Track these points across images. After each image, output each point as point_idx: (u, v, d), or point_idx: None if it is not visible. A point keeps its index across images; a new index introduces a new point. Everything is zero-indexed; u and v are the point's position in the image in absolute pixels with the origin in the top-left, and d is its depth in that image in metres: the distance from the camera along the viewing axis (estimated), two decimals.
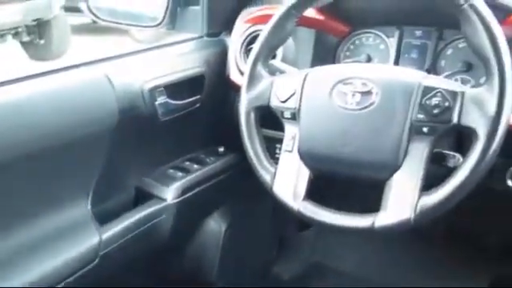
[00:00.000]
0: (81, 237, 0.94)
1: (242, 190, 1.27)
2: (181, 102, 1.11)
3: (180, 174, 1.14)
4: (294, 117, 0.88)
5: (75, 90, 0.92)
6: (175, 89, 1.09)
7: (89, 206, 0.97)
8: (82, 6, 1.23)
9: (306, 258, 1.63)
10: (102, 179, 0.99)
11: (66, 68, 0.95)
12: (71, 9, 4.16)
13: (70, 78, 0.94)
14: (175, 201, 1.10)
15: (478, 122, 0.75)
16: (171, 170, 1.16)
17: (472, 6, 0.75)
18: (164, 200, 1.09)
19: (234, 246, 1.32)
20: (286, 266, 1.57)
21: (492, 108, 0.73)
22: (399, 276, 1.48)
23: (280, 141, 0.91)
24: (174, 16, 1.24)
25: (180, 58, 1.16)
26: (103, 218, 0.99)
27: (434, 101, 0.77)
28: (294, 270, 1.57)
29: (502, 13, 0.89)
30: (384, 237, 1.05)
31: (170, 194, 1.10)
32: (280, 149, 0.90)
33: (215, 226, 1.29)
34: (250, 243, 1.43)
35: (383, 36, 1.12)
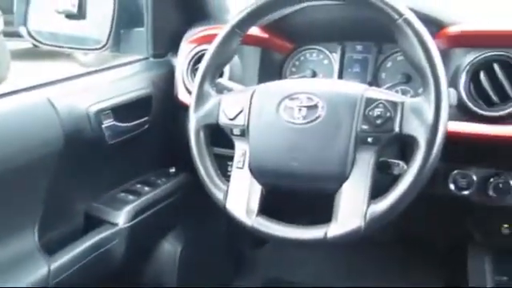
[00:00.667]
0: (29, 269, 0.90)
1: (196, 209, 1.27)
2: (129, 124, 1.09)
3: (131, 197, 1.13)
4: (243, 133, 0.88)
5: (16, 116, 0.89)
6: (122, 111, 1.08)
7: (36, 236, 0.93)
8: (22, 30, 1.20)
9: (264, 273, 1.63)
10: (49, 206, 0.95)
11: (5, 94, 0.92)
12: (11, 34, 4.02)
13: (11, 104, 0.91)
14: (127, 225, 1.08)
15: (418, 131, 0.78)
16: (122, 194, 1.14)
17: (406, 21, 0.79)
18: (115, 225, 1.06)
19: (190, 267, 1.30)
20: (244, 283, 1.56)
21: (430, 117, 0.77)
22: (355, 284, 1.51)
23: (231, 158, 0.91)
24: (118, 38, 1.23)
25: (126, 79, 1.15)
26: (52, 247, 0.96)
27: (377, 111, 0.80)
28: (252, 286, 1.56)
29: (434, 27, 0.94)
30: (337, 247, 1.07)
31: (121, 218, 1.07)
32: (232, 166, 0.91)
33: (170, 247, 1.27)
34: (207, 262, 1.42)
35: (326, 52, 1.16)
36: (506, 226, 1.02)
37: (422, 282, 1.41)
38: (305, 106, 0.84)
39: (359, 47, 1.13)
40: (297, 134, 0.84)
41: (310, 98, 0.84)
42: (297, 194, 0.93)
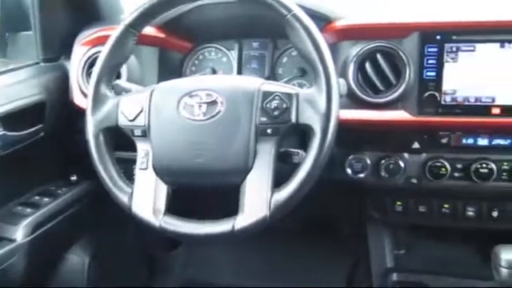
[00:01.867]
0: None
1: (103, 217, 1.22)
2: (21, 133, 1.03)
3: (29, 210, 1.06)
4: (145, 134, 0.87)
5: None
6: (13, 119, 1.01)
7: None
8: None
9: (179, 275, 1.62)
10: None
11: None
12: None
13: None
14: (26, 239, 1.01)
15: (313, 119, 0.82)
16: (19, 207, 1.07)
17: (295, 16, 0.83)
18: (13, 240, 1.00)
19: (101, 278, 1.26)
20: (159, 286, 1.54)
21: (323, 106, 0.81)
22: (270, 276, 1.55)
23: (136, 161, 0.90)
24: (4, 43, 1.15)
25: (15, 86, 1.08)
26: None
27: (274, 104, 0.83)
28: None
29: (322, 21, 0.99)
30: (252, 242, 1.09)
31: (19, 233, 1.01)
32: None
33: (77, 259, 1.22)
34: (119, 270, 1.38)
35: (224, 49, 1.18)
36: (399, 203, 1.11)
37: (330, 263, 1.49)
38: (204, 103, 0.85)
39: (256, 44, 1.17)
40: (198, 130, 0.84)
41: (209, 95, 0.85)
42: (204, 191, 0.94)
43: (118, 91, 0.95)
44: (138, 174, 0.88)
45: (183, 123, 0.85)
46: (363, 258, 1.28)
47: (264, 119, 0.83)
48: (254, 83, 0.86)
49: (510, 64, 0.91)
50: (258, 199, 0.82)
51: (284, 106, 0.83)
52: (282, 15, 0.84)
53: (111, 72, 0.92)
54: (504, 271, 0.83)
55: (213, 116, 0.84)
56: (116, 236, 1.36)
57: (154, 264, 1.59)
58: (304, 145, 0.92)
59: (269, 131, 0.83)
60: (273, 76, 1.14)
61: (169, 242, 1.60)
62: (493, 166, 0.97)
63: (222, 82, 0.88)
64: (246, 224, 0.82)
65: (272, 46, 1.15)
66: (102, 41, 1.03)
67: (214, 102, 0.85)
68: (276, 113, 0.83)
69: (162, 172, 0.87)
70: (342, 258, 1.53)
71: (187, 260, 1.66)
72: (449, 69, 0.93)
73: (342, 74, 0.97)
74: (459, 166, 0.99)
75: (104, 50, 0.91)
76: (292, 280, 1.48)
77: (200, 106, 0.85)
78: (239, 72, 1.17)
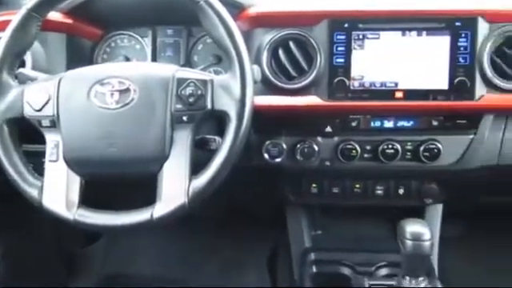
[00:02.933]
0: None
1: (11, 214, 1.15)
2: None
3: None
4: (54, 124, 0.84)
5: None
6: None
7: None
8: None
9: (100, 270, 1.57)
10: None
11: None
12: None
13: None
14: None
15: (228, 106, 0.83)
16: None
17: (207, 3, 0.83)
18: None
19: (13, 276, 1.19)
20: (78, 283, 1.49)
21: (237, 92, 0.83)
22: (192, 265, 1.55)
23: (45, 154, 0.86)
24: None
25: None
26: None
27: (189, 90, 0.82)
28: (87, 285, 1.50)
29: (235, 9, 1.00)
30: (168, 229, 1.08)
31: None
32: None
33: None
34: (34, 270, 1.31)
35: (137, 36, 1.15)
36: (314, 185, 1.15)
37: (252, 247, 1.52)
38: (117, 91, 0.83)
39: (170, 31, 1.15)
40: (111, 119, 0.82)
41: (121, 82, 0.83)
42: (120, 180, 0.92)
43: (22, 80, 0.90)
44: (48, 166, 0.84)
45: (95, 112, 0.82)
46: (283, 240, 1.32)
47: (179, 106, 0.83)
48: (168, 70, 0.85)
49: (410, 51, 0.98)
50: (175, 187, 0.82)
51: (199, 92, 0.83)
52: (194, 2, 0.83)
53: (13, 59, 0.87)
54: (409, 243, 0.90)
55: (126, 104, 0.82)
56: (28, 234, 1.29)
57: (72, 261, 1.53)
58: (221, 131, 0.93)
59: (185, 118, 0.83)
60: (188, 63, 1.13)
61: (86, 236, 1.54)
62: (398, 146, 1.04)
63: (134, 70, 0.86)
64: (164, 212, 0.81)
65: (186, 33, 1.14)
66: (2, 26, 0.96)
67: (126, 90, 0.83)
68: (191, 100, 0.83)
69: (73, 163, 0.83)
70: (263, 242, 1.56)
71: (107, 254, 1.62)
72: (356, 55, 0.98)
73: (256, 60, 0.98)
74: (368, 147, 1.05)
75: (4, 36, 0.85)
76: (213, 267, 1.50)
77: (112, 94, 0.83)
78: (154, 60, 1.14)
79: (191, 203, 0.82)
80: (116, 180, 0.90)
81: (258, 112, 0.90)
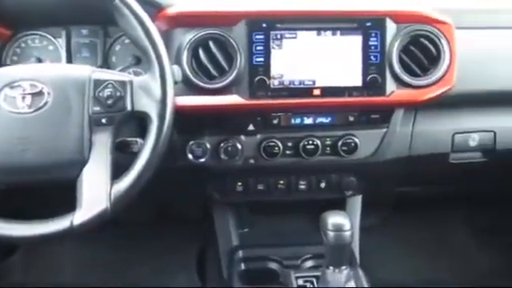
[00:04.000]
0: None
1: None
2: None
3: None
4: None
5: None
6: None
7: None
8: None
9: (20, 282, 1.49)
10: None
11: None
12: None
13: None
14: None
15: (149, 107, 0.82)
16: None
17: (123, 2, 0.81)
18: None
19: None
20: None
21: (158, 93, 0.82)
22: (118, 271, 1.51)
23: None
24: None
25: None
26: None
27: (107, 92, 0.80)
28: None
29: (153, 8, 0.99)
30: (93, 236, 1.05)
31: None
32: None
33: None
34: None
35: (50, 37, 1.10)
36: (239, 183, 1.17)
37: (180, 249, 1.51)
38: (29, 94, 0.79)
39: (85, 31, 1.11)
40: (24, 124, 0.78)
41: (33, 85, 0.79)
42: (37, 188, 0.87)
43: None
44: None
45: (5, 117, 0.78)
46: (211, 240, 1.32)
47: (97, 109, 0.80)
48: (83, 71, 0.82)
49: (326, 50, 1.01)
50: (96, 192, 0.79)
51: (118, 94, 0.81)
52: (109, 1, 0.81)
53: None
54: (331, 234, 0.94)
55: (39, 108, 0.79)
56: None
57: None
58: (143, 133, 0.91)
59: (103, 121, 0.81)
60: (106, 65, 1.10)
61: (2, 249, 1.45)
62: (318, 142, 1.08)
63: (47, 71, 0.83)
64: (85, 219, 0.79)
65: (103, 33, 1.10)
66: None
67: (39, 93, 0.79)
68: (110, 101, 0.81)
69: None
70: (192, 243, 1.56)
71: (28, 265, 1.53)
72: (275, 55, 1.00)
73: (177, 60, 0.98)
74: (290, 144, 1.08)
75: None
76: (141, 271, 1.47)
77: (24, 98, 0.79)
78: (69, 61, 1.10)
79: (113, 208, 0.80)
80: (33, 187, 0.85)
81: (179, 112, 0.89)
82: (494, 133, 1.18)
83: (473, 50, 1.14)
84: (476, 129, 1.18)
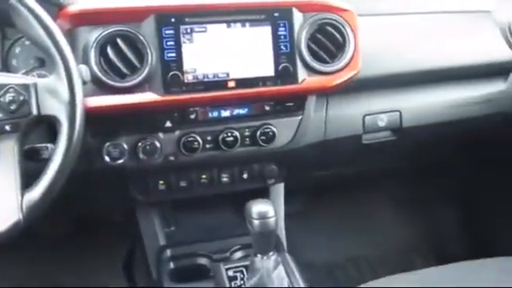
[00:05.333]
0: None
1: None
2: None
3: None
4: None
5: None
6: None
7: None
8: None
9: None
10: None
11: None
12: None
13: None
14: None
15: (57, 110, 0.78)
16: None
17: (20, 1, 0.77)
18: None
19: None
20: None
21: (65, 95, 0.78)
22: (43, 283, 1.44)
23: None
24: None
25: None
26: None
27: (8, 97, 0.76)
28: None
29: (54, 7, 0.94)
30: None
31: None
32: None
33: None
34: None
35: None
36: (161, 182, 1.15)
37: (107, 254, 1.46)
38: None
39: None
40: None
41: None
42: None
43: None
44: None
45: None
46: (138, 241, 1.29)
47: (0, 115, 0.75)
48: None
49: (237, 42, 1.02)
50: (6, 203, 0.75)
51: (21, 98, 0.76)
52: (5, 1, 0.76)
53: None
54: (256, 222, 0.95)
55: None
56: None
57: None
58: (54, 138, 0.87)
59: (7, 128, 0.76)
60: (6, 69, 1.03)
61: None
62: (237, 133, 1.09)
63: None
64: None
65: (0, 35, 1.03)
66: None
67: None
68: (13, 107, 0.76)
69: None
70: (118, 246, 1.51)
71: None
72: (187, 49, 1.00)
73: (84, 60, 0.94)
74: (209, 138, 1.09)
75: None
76: (68, 280, 1.40)
77: None
78: None
79: (27, 219, 0.75)
80: None
81: (91, 113, 0.86)
82: (400, 112, 1.26)
83: (376, 35, 1.21)
84: (384, 110, 1.25)
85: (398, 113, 1.26)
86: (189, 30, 0.99)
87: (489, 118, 1.34)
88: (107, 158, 1.02)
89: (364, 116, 1.23)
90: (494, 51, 1.29)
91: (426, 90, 1.30)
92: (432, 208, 1.84)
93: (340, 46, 1.09)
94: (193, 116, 1.06)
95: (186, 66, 1.00)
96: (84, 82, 0.84)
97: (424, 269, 0.96)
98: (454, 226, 1.81)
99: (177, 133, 1.07)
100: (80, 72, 0.82)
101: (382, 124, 1.25)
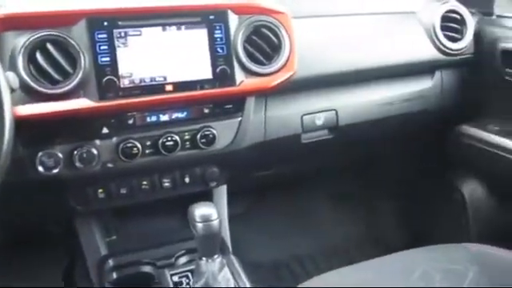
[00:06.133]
0: None
1: None
2: None
3: None
4: None
5: None
6: None
7: None
8: None
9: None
10: None
11: None
12: None
13: None
14: None
15: None
16: None
17: None
18: None
19: None
20: None
21: None
22: None
23: None
24: None
25: None
26: None
27: None
28: None
29: None
30: None
31: None
32: None
33: None
34: None
35: None
36: (101, 190, 1.12)
37: (46, 269, 1.40)
38: None
39: None
40: None
41: None
42: None
43: None
44: None
45: None
46: (78, 252, 1.25)
47: None
48: None
49: (173, 45, 1.02)
50: None
51: None
52: None
53: None
54: (199, 225, 0.95)
55: None
56: None
57: None
58: None
59: None
60: None
61: None
62: (177, 137, 1.08)
63: None
64: None
65: None
66: None
67: None
68: None
69: None
70: (58, 259, 1.45)
71: None
72: (121, 53, 0.98)
73: (12, 66, 0.90)
74: (148, 143, 1.07)
75: None
76: None
77: None
78: None
79: None
80: None
81: (22, 123, 0.82)
82: (336, 111, 1.30)
83: (311, 37, 1.24)
84: (321, 109, 1.29)
85: (334, 112, 1.30)
86: (123, 34, 0.98)
87: (418, 114, 1.41)
88: (41, 168, 0.98)
89: (302, 116, 1.26)
90: (421, 50, 1.36)
91: (361, 88, 1.35)
92: (370, 203, 1.90)
93: (276, 48, 1.11)
94: (131, 121, 1.04)
95: (122, 71, 0.98)
96: (12, 90, 0.80)
97: (363, 262, 1.00)
98: (392, 218, 1.89)
99: (114, 139, 1.04)
100: (7, 79, 0.78)
101: (319, 123, 1.28)
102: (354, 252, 1.76)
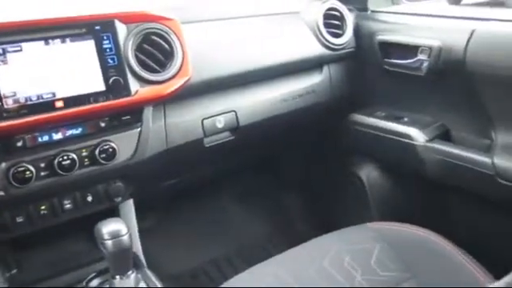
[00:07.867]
0: None
1: None
2: None
3: None
4: None
5: None
6: None
7: None
8: None
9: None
10: None
11: None
12: None
13: None
14: None
15: None
16: None
17: None
18: None
19: None
20: None
21: None
22: None
23: None
24: None
25: None
26: None
27: None
28: None
29: None
30: None
31: None
32: None
33: None
34: None
35: None
36: (43, 207, 1.06)
37: None
38: None
39: None
40: None
41: None
42: None
43: None
44: None
45: None
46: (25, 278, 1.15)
47: None
48: None
49: (59, 59, 0.97)
50: None
51: None
52: None
53: None
54: (108, 243, 0.91)
55: None
56: None
57: None
58: None
59: None
60: None
61: None
62: (73, 155, 1.03)
63: None
64: None
65: None
66: None
67: None
68: None
69: None
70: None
71: None
72: (2, 72, 0.91)
73: None
74: (42, 164, 1.01)
75: None
76: None
77: None
78: None
79: None
80: None
81: None
82: (235, 112, 1.32)
83: (203, 41, 1.25)
84: (220, 111, 1.30)
85: (233, 113, 1.32)
86: (1, 51, 0.91)
87: (312, 107, 1.48)
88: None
89: (202, 120, 1.26)
90: (308, 47, 1.43)
91: (257, 88, 1.38)
92: (278, 197, 1.96)
93: (168, 55, 1.10)
94: (20, 143, 0.97)
95: (4, 90, 0.92)
96: None
97: (277, 255, 1.03)
98: (301, 210, 1.95)
99: (3, 165, 0.97)
100: None
101: (220, 126, 1.30)
102: (270, 248, 1.80)
